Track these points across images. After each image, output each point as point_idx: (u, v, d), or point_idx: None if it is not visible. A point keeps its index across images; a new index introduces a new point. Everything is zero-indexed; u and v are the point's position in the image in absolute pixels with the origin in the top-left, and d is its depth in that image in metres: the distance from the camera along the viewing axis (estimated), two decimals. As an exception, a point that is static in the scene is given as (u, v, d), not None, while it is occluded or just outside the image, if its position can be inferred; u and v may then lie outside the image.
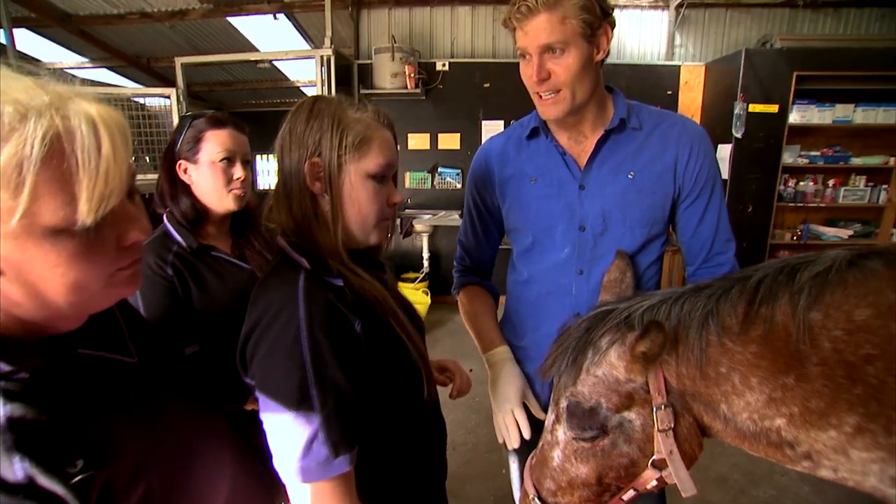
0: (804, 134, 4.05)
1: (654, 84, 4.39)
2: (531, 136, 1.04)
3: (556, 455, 0.83)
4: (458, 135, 4.55)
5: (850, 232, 4.21)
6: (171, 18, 4.69)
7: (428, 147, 4.59)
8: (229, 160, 1.09)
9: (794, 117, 3.85)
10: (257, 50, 5.27)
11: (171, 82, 3.76)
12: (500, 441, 0.97)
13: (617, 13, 0.93)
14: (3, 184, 0.41)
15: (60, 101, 0.45)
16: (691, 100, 4.42)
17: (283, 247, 0.75)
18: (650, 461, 0.77)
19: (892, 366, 0.64)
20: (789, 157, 3.98)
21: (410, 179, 4.66)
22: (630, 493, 0.81)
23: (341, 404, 0.64)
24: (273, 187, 0.79)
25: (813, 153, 4.09)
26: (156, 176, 1.15)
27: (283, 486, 0.68)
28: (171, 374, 0.66)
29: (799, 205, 4.13)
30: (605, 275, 0.94)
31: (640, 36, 4.61)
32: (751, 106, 3.73)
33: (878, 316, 0.66)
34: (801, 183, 4.16)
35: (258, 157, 6.26)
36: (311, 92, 6.73)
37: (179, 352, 0.79)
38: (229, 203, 1.10)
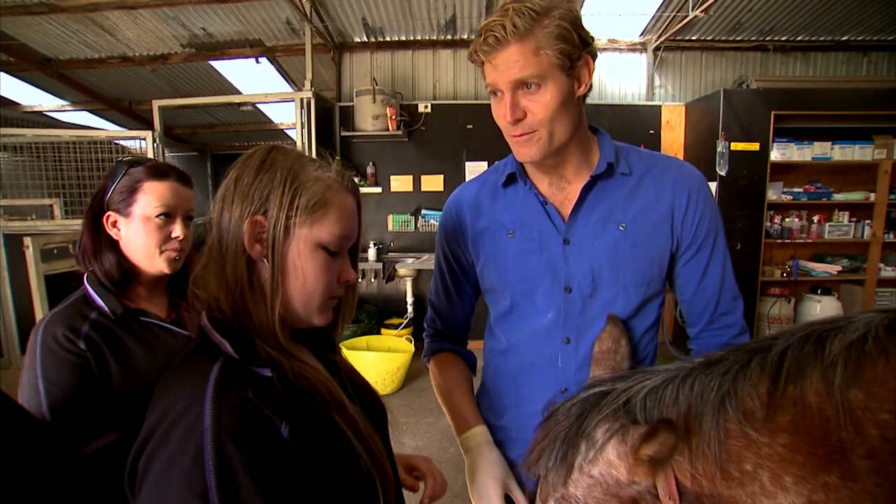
0: (786, 171, 4.08)
1: (637, 123, 4.43)
2: (508, 182, 0.91)
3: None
4: (442, 176, 4.50)
5: (839, 267, 4.17)
6: (152, 62, 4.69)
7: (411, 189, 4.52)
8: (168, 216, 0.95)
9: (775, 155, 3.88)
10: (239, 93, 5.26)
11: (152, 125, 3.69)
12: None
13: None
14: None
15: None
16: (673, 139, 4.46)
17: (203, 325, 0.61)
18: (664, 583, 0.61)
19: (955, 458, 0.51)
20: (773, 194, 3.98)
21: (393, 222, 4.57)
22: None
23: None
24: (207, 246, 0.65)
25: (796, 189, 4.11)
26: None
27: None
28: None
29: (786, 241, 4.10)
30: (596, 344, 0.80)
31: (620, 77, 4.70)
32: (732, 144, 3.75)
33: (932, 394, 0.53)
34: (787, 219, 4.15)
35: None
36: (293, 134, 6.74)
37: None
38: (161, 265, 0.96)
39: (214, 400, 0.50)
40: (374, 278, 4.46)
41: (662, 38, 4.17)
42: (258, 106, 5.45)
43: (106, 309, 0.90)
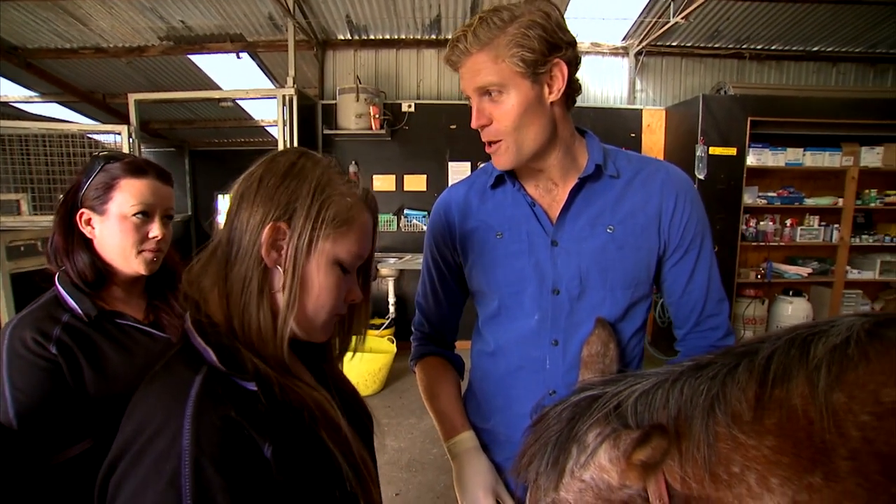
0: (761, 175, 4.20)
1: (619, 127, 4.50)
2: (496, 184, 0.91)
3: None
4: (425, 176, 4.49)
5: (810, 270, 4.31)
6: (128, 54, 4.54)
7: (394, 188, 4.49)
8: (146, 214, 0.92)
9: (751, 160, 3.99)
10: (219, 88, 5.15)
11: (128, 119, 3.57)
12: None
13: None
14: None
15: None
16: (654, 142, 4.55)
17: (187, 329, 0.58)
18: (654, 586, 0.61)
19: (931, 458, 0.53)
20: (749, 198, 4.10)
21: (376, 221, 4.53)
22: None
23: None
24: (211, 242, 0.63)
25: (770, 194, 4.23)
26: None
27: None
28: None
29: (761, 244, 4.22)
30: (585, 347, 0.80)
31: (602, 81, 4.77)
32: (711, 149, 3.84)
33: (909, 397, 0.55)
34: (762, 223, 4.27)
35: (219, 196, 5.99)
36: (274, 132, 6.62)
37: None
38: (137, 266, 0.92)
39: (194, 418, 0.47)
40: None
41: (644, 44, 4.24)
42: (238, 102, 5.33)
43: (79, 311, 0.86)
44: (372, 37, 4.50)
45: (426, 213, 4.50)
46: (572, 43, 0.78)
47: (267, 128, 6.38)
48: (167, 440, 0.46)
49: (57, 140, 3.39)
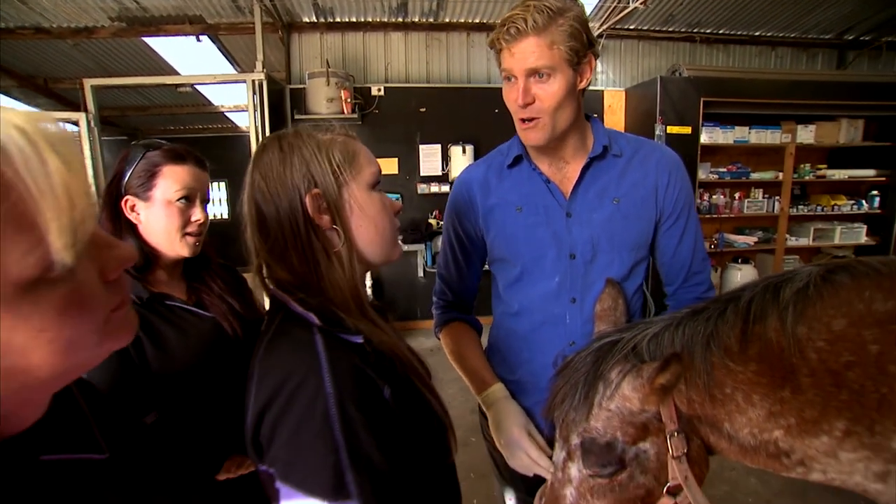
0: (712, 152, 4.52)
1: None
2: (513, 163, 1.02)
3: (570, 493, 0.80)
4: (396, 160, 4.52)
5: (755, 238, 4.72)
6: (74, 36, 4.26)
7: (367, 172, 4.50)
8: (188, 199, 0.97)
9: (704, 138, 4.29)
10: (176, 73, 4.93)
11: (74, 106, 3.38)
12: (530, 474, 0.90)
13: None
14: None
15: None
16: (615, 122, 4.78)
17: (283, 300, 0.65)
18: (665, 489, 0.77)
19: (868, 370, 0.69)
20: (702, 174, 4.41)
21: (351, 205, 4.54)
22: (645, 524, 0.80)
23: (377, 484, 0.56)
24: (255, 247, 0.68)
25: (721, 170, 4.57)
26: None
27: None
28: (147, 464, 0.54)
29: (714, 216, 4.57)
30: (598, 304, 0.94)
31: (564, 64, 4.92)
32: (668, 128, 4.10)
33: (852, 325, 0.71)
34: (714, 196, 4.62)
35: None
36: (237, 117, 6.40)
37: (148, 433, 0.66)
38: (181, 249, 0.97)
39: (331, 368, 0.56)
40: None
41: (605, 27, 4.41)
42: (197, 87, 5.12)
43: (132, 295, 0.91)
44: (338, 19, 4.44)
45: (399, 195, 4.55)
46: (596, 40, 0.91)
47: (227, 114, 6.16)
48: (313, 387, 0.55)
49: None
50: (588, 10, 4.46)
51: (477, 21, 4.62)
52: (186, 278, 1.04)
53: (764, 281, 0.80)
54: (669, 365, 0.67)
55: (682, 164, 1.01)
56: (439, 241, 4.32)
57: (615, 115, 4.79)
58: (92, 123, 3.35)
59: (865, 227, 4.80)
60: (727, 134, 4.43)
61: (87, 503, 0.43)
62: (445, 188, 4.40)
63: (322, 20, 4.43)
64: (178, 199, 0.95)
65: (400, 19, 4.50)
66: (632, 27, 4.85)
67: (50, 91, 5.22)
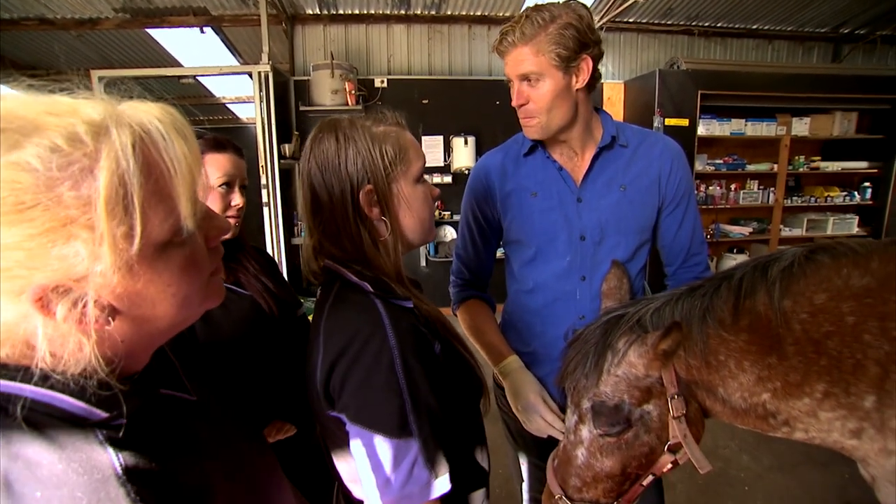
0: (709, 144, 4.60)
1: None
2: (529, 152, 1.11)
3: (581, 453, 0.89)
4: (400, 150, 4.57)
5: (750, 229, 4.83)
6: (78, 27, 4.27)
7: (371, 163, 4.56)
8: (228, 185, 1.04)
9: (701, 130, 4.38)
10: (179, 65, 4.95)
11: (85, 98, 3.42)
12: (545, 436, 0.99)
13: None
14: (111, 209, 0.37)
15: (114, 108, 0.41)
16: (614, 114, 4.73)
17: (338, 271, 0.72)
18: (666, 446, 0.86)
19: (845, 338, 0.79)
20: (699, 165, 4.50)
21: (354, 195, 4.60)
22: (649, 479, 0.89)
23: (435, 426, 0.65)
24: (308, 226, 0.75)
25: (717, 161, 4.66)
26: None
27: None
28: (224, 406, 0.63)
29: (710, 207, 4.67)
30: (604, 283, 1.03)
31: (565, 56, 4.97)
32: (666, 120, 4.18)
33: (831, 298, 0.80)
34: (710, 188, 4.71)
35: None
36: (240, 109, 6.42)
37: (223, 375, 0.74)
38: None
39: (393, 326, 0.65)
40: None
41: (605, 20, 4.47)
42: (199, 79, 5.14)
43: None
44: (341, 11, 4.47)
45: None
46: (598, 41, 0.99)
47: (229, 105, 6.19)
48: (379, 342, 0.63)
49: None
50: (588, 2, 4.51)
51: (479, 14, 4.66)
52: (224, 260, 1.12)
53: (754, 261, 0.89)
54: (671, 332, 0.76)
55: (683, 153, 1.10)
56: (441, 231, 4.41)
57: (614, 108, 4.86)
58: (100, 115, 3.39)
59: (857, 217, 4.91)
60: (724, 126, 4.52)
61: (188, 432, 0.52)
62: (448, 179, 4.46)
63: (325, 12, 4.46)
64: (219, 186, 1.03)
65: (402, 11, 4.54)
66: (631, 20, 4.90)
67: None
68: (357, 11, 4.49)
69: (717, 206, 4.70)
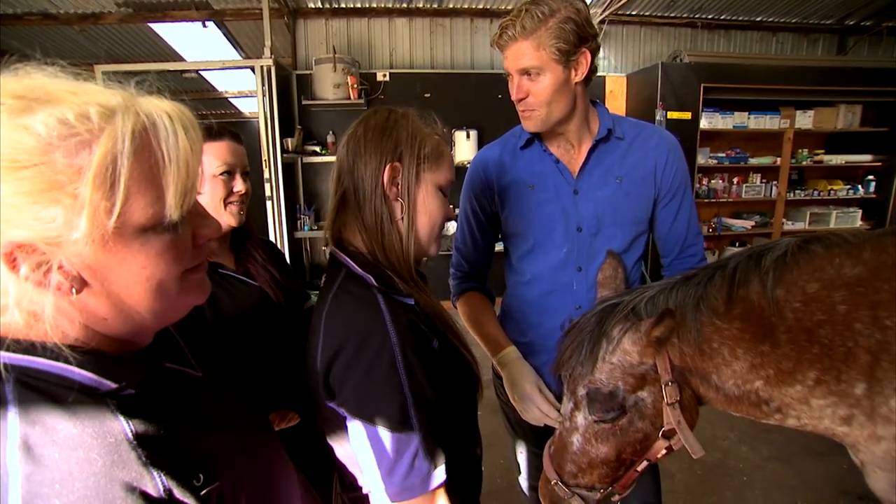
0: (711, 138, 4.59)
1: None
2: (526, 145, 1.12)
3: (576, 440, 0.91)
4: (402, 144, 4.58)
5: (752, 223, 4.82)
6: (81, 22, 4.29)
7: (373, 157, 4.57)
8: (229, 173, 1.06)
9: (704, 123, 4.36)
10: (182, 59, 4.96)
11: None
12: (541, 424, 1.01)
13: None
14: (97, 183, 0.39)
15: (131, 99, 0.44)
16: (616, 107, 4.83)
17: (344, 261, 0.74)
18: (660, 432, 0.88)
19: (836, 327, 0.80)
20: (702, 159, 4.49)
21: (357, 190, 4.61)
22: (643, 464, 0.91)
23: (433, 419, 0.67)
24: (334, 194, 0.78)
25: (720, 155, 4.65)
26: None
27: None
28: (230, 386, 0.65)
29: (712, 200, 4.66)
30: (600, 272, 1.05)
31: (567, 50, 4.95)
32: (669, 113, 4.17)
33: (823, 288, 0.82)
34: (713, 181, 4.70)
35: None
36: (242, 103, 6.44)
37: (230, 362, 0.76)
38: (228, 219, 1.06)
39: (393, 322, 0.66)
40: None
41: (607, 13, 4.45)
42: (202, 73, 5.16)
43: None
44: (343, 5, 4.46)
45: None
46: (595, 35, 1.00)
47: (231, 99, 6.20)
48: (380, 338, 0.65)
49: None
50: (591, -5, 4.48)
51: (480, 7, 4.64)
52: (233, 250, 1.14)
53: (748, 250, 0.90)
54: (663, 319, 0.78)
55: (679, 145, 1.11)
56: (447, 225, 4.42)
57: (617, 101, 4.84)
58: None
59: (861, 211, 4.90)
60: (726, 119, 4.50)
61: (194, 405, 0.54)
62: (449, 173, 4.48)
63: (327, 6, 4.45)
64: (220, 174, 1.04)
65: (404, 5, 4.52)
66: (634, 13, 4.87)
67: (56, 77, 5.25)
68: (359, 5, 4.48)
69: (720, 199, 4.69)
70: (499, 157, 1.15)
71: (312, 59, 4.22)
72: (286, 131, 4.00)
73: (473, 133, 4.40)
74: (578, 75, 1.00)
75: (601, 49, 4.90)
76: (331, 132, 4.41)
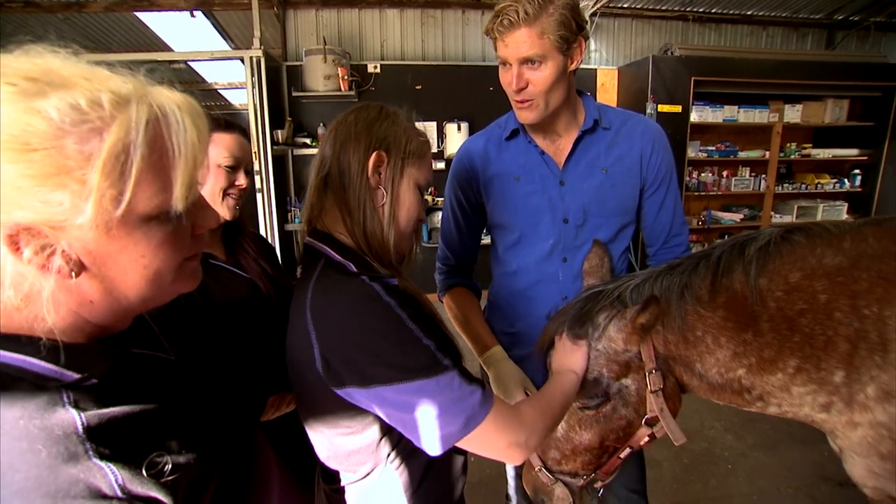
0: (702, 131, 4.62)
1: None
2: (510, 136, 1.11)
3: (561, 426, 0.92)
4: (394, 136, 4.55)
5: (741, 216, 4.87)
6: (65, 10, 4.19)
7: (364, 149, 4.54)
8: (234, 167, 1.05)
9: (694, 116, 4.39)
10: (170, 49, 4.87)
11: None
12: None
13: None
14: (108, 171, 0.40)
15: (143, 88, 0.44)
16: (607, 100, 4.83)
17: (322, 250, 0.74)
18: (643, 420, 0.89)
19: (817, 316, 0.81)
20: (692, 152, 4.52)
21: (348, 182, 4.59)
22: (626, 452, 0.92)
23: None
24: (316, 176, 0.78)
25: (710, 148, 4.68)
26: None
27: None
28: (205, 371, 0.64)
29: (702, 193, 4.70)
30: (585, 262, 1.05)
31: (559, 42, 4.94)
32: (659, 106, 4.18)
33: (805, 277, 0.83)
34: (703, 174, 4.74)
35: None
36: (232, 95, 6.34)
37: (208, 347, 0.76)
38: (223, 211, 1.06)
39: (385, 291, 0.67)
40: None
41: (599, 5, 4.44)
42: (191, 64, 5.08)
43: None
44: (333, -5, 4.41)
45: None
46: (586, 22, 0.99)
47: (221, 91, 6.11)
48: (382, 307, 0.66)
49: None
50: (583, -13, 4.47)
51: (472, -2, 4.61)
52: (225, 242, 1.13)
53: (732, 240, 0.91)
54: (648, 306, 0.79)
55: (665, 134, 1.11)
56: (436, 217, 4.41)
57: (608, 94, 4.85)
58: (89, 100, 3.35)
59: (847, 204, 4.96)
60: (717, 113, 4.53)
61: (166, 393, 0.54)
62: (441, 165, 4.46)
63: (317, -4, 4.40)
64: (226, 165, 1.04)
65: (395, -4, 4.48)
66: (625, 5, 4.86)
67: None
68: (349, -5, 4.43)
69: (710, 192, 4.73)
70: (483, 148, 1.14)
71: (302, 51, 4.17)
72: (276, 123, 3.96)
73: (465, 125, 4.38)
74: (574, 64, 1.00)
75: (592, 41, 4.91)
76: (321, 124, 4.37)
